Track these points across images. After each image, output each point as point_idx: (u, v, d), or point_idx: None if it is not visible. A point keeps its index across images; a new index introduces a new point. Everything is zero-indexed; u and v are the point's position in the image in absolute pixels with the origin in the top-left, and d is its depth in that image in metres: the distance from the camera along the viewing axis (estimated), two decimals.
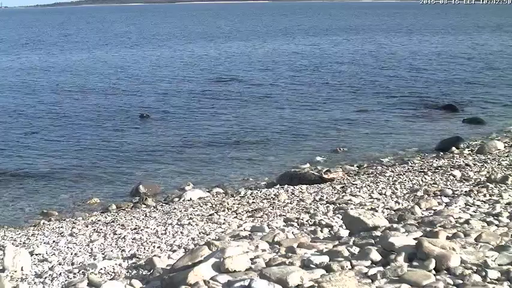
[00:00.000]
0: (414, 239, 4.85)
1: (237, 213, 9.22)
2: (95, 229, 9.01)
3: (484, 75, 27.95)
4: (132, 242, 7.99)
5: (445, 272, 4.23)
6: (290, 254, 5.25)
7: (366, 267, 4.45)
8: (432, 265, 4.28)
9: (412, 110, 20.05)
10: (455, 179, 10.28)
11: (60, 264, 7.29)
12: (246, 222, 8.58)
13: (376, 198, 9.37)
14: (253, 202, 10.07)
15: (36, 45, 53.35)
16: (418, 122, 18.34)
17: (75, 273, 6.74)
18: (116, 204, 11.51)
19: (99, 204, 11.71)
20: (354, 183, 10.95)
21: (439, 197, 8.72)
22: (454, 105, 20.42)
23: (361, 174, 12.17)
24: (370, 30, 65.01)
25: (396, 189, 10.01)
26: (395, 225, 6.12)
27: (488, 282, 3.99)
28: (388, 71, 30.18)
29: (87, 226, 9.34)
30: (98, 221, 9.77)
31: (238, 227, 8.25)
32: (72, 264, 7.25)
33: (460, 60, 34.60)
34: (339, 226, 7.45)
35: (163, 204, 10.95)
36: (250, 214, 9.07)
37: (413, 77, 28.02)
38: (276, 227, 7.84)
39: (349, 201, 9.26)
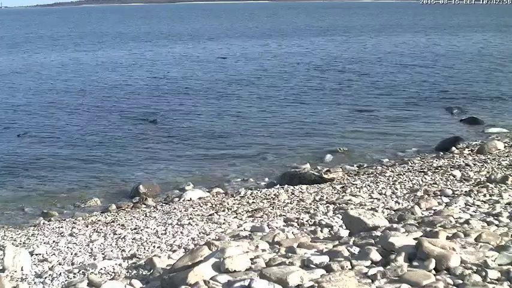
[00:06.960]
0: (414, 239, 4.84)
1: (237, 213, 9.22)
2: (95, 229, 9.01)
3: (485, 75, 27.93)
4: (132, 242, 7.99)
5: (445, 272, 4.22)
6: (290, 254, 5.24)
7: (366, 267, 4.44)
8: (432, 265, 4.27)
9: (412, 110, 20.04)
10: (455, 179, 10.28)
11: (60, 264, 7.29)
12: (246, 222, 8.58)
13: (376, 198, 9.37)
14: (253, 202, 10.07)
15: (35, 44, 53.37)
16: (418, 122, 18.33)
17: (75, 273, 6.74)
18: (116, 204, 11.52)
19: (99, 204, 11.73)
20: (354, 183, 10.94)
21: (439, 197, 8.71)
22: (454, 105, 20.40)
23: (361, 174, 12.16)
24: (370, 30, 64.98)
25: (396, 189, 10.01)
26: (395, 225, 6.11)
27: (488, 282, 3.97)
28: (388, 71, 30.16)
29: (87, 226, 9.35)
30: (98, 221, 9.77)
31: (238, 227, 8.25)
32: (72, 264, 7.25)
33: (460, 60, 34.59)
34: (339, 226, 7.45)
35: (163, 204, 10.95)
36: (250, 214, 9.07)
37: (413, 77, 28.00)
38: (276, 227, 7.84)
39: (349, 201, 9.26)
